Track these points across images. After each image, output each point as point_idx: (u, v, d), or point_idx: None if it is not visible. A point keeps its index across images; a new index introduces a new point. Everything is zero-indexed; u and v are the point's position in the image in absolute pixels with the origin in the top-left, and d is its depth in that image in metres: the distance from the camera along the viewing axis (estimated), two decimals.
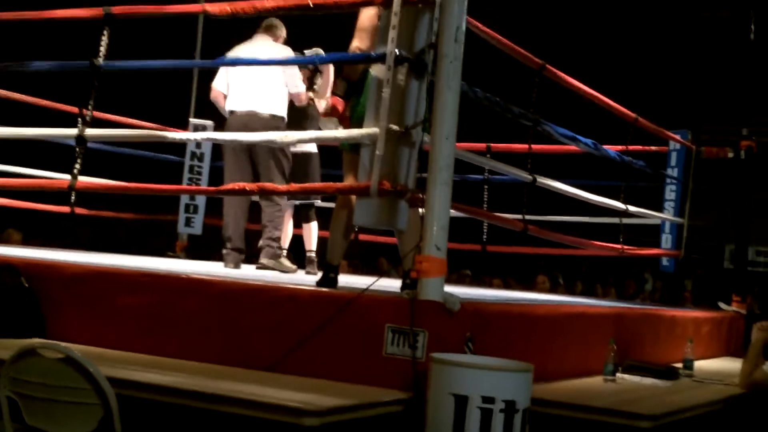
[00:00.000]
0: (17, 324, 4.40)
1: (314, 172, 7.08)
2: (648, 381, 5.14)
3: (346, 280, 5.17)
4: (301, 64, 6.90)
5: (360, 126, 4.70)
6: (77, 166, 5.19)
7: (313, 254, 7.12)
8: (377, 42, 4.84)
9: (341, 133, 5.00)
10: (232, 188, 4.99)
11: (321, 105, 7.16)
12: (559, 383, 4.57)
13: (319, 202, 7.31)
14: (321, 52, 6.69)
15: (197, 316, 4.34)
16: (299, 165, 6.96)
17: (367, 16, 4.96)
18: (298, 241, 7.29)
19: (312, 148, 7.07)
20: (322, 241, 6.71)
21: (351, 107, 5.07)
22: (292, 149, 6.86)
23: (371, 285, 4.27)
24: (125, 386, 3.44)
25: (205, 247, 8.96)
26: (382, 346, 3.93)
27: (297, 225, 7.32)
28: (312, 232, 7.19)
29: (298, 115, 6.92)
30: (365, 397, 3.67)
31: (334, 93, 7.02)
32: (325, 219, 6.75)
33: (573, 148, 6.81)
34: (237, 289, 4.45)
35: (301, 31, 6.94)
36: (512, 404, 3.47)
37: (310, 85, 7.07)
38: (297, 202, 7.18)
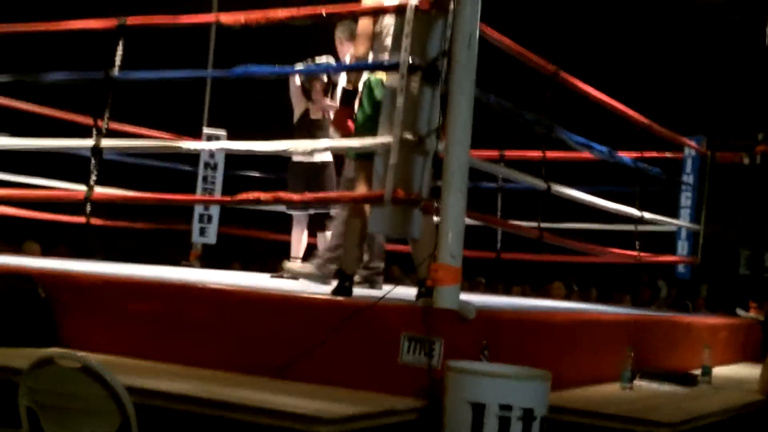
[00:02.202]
0: (32, 333, 4.41)
1: (329, 182, 7.07)
2: (666, 388, 5.12)
3: (359, 288, 5.17)
4: (317, 74, 6.91)
5: (363, 134, 4.70)
6: (93, 176, 5.20)
7: None
8: (375, 47, 4.87)
9: (355, 142, 4.99)
10: (246, 198, 4.98)
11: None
12: (576, 391, 4.56)
13: (334, 212, 7.29)
14: (332, 60, 6.68)
15: (211, 325, 4.34)
16: (315, 175, 6.95)
17: (363, 21, 4.96)
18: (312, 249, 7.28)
19: (327, 157, 7.06)
20: None
21: (355, 116, 5.08)
22: (308, 159, 6.88)
23: (386, 294, 4.26)
24: (139, 394, 3.44)
25: (219, 257, 8.97)
26: (397, 355, 3.92)
27: (311, 234, 7.31)
28: (327, 239, 7.17)
29: (312, 126, 6.94)
30: (380, 405, 3.66)
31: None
32: None
33: (587, 155, 6.79)
34: (251, 298, 4.45)
35: (308, 39, 6.92)
36: (530, 412, 3.46)
37: (324, 95, 7.05)
38: (312, 212, 7.16)
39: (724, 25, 14.56)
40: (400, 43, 4.33)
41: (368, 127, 4.70)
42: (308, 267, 6.29)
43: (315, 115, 6.99)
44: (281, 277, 6.85)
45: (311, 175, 6.93)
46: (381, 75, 4.83)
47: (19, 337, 4.35)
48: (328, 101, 6.98)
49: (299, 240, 7.16)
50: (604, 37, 15.04)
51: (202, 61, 8.87)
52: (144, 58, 5.86)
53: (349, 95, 5.11)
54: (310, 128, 6.87)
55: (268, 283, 6.00)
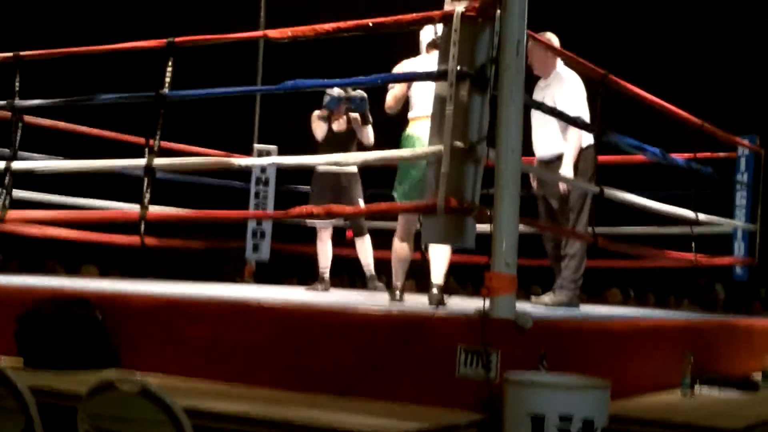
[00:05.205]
0: (91, 356, 4.45)
1: (357, 191, 7.15)
2: (727, 393, 5.02)
3: (413, 299, 5.15)
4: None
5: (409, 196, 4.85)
6: (147, 196, 5.23)
7: (372, 269, 7.14)
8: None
9: (405, 152, 4.99)
10: (298, 212, 4.98)
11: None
12: (635, 399, 4.48)
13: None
14: (341, 92, 6.89)
15: (269, 343, 4.34)
16: (343, 184, 7.05)
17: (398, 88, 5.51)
18: (354, 260, 7.32)
19: (353, 168, 7.11)
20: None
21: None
22: (334, 170, 6.98)
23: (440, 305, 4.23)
24: (199, 417, 3.43)
25: (273, 273, 8.99)
26: (454, 367, 3.88)
27: (352, 244, 7.37)
28: (366, 246, 7.21)
29: (337, 139, 7.03)
30: (441, 420, 3.62)
31: None
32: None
33: (639, 157, 6.71)
34: (308, 314, 4.44)
35: (351, 54, 6.94)
36: (590, 423, 3.41)
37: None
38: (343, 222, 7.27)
39: None
40: (447, 52, 4.32)
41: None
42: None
43: (338, 128, 7.11)
44: (315, 289, 6.92)
45: (339, 184, 6.98)
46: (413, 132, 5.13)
47: (77, 360, 4.39)
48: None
49: (325, 252, 7.25)
50: (654, 37, 14.91)
51: (251, 77, 8.91)
52: (193, 76, 5.90)
53: None
54: (335, 142, 6.94)
55: (316, 297, 5.99)
